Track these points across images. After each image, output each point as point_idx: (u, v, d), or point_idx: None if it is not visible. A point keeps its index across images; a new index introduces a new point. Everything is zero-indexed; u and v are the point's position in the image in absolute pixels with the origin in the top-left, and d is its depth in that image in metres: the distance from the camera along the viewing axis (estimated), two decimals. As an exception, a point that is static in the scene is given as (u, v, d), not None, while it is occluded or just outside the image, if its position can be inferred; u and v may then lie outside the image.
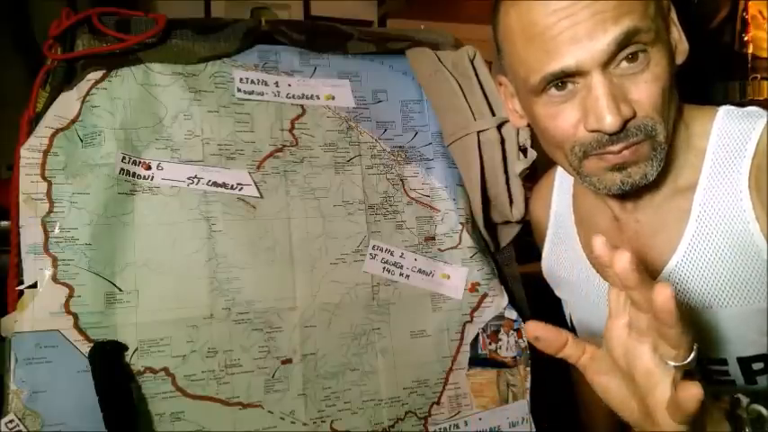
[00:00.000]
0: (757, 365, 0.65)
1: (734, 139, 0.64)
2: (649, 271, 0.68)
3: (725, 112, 0.66)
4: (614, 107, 0.56)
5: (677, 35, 0.64)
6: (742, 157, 0.63)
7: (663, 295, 0.41)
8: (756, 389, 0.67)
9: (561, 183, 0.83)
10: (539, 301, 0.89)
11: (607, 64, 0.57)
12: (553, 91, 0.60)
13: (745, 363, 0.65)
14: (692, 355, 0.44)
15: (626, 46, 0.57)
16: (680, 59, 0.64)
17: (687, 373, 0.45)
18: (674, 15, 0.64)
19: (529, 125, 0.72)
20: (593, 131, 0.59)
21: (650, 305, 0.43)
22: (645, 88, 0.58)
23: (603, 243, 0.44)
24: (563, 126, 0.61)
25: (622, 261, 0.42)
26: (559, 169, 0.82)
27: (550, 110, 0.62)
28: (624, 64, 0.58)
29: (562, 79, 0.59)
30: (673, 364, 0.45)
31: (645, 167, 0.61)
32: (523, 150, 0.84)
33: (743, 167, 0.62)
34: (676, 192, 0.66)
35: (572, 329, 0.82)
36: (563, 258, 0.81)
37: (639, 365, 0.46)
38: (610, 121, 0.56)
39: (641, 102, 0.58)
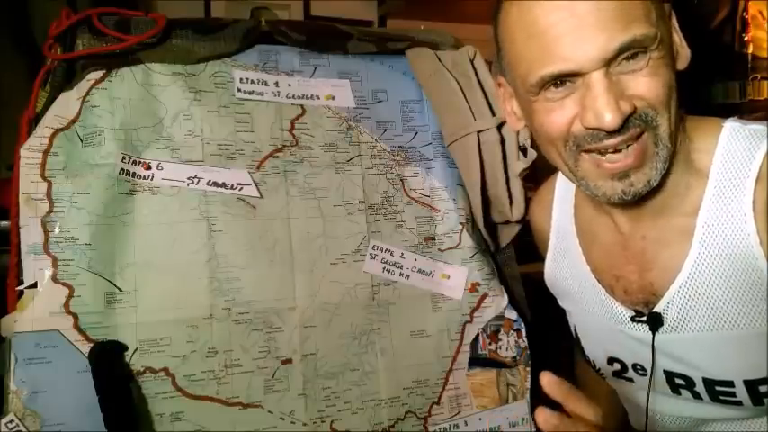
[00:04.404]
0: (764, 388, 0.64)
1: (738, 159, 0.62)
2: (654, 290, 0.67)
3: (730, 131, 0.64)
4: (614, 105, 0.56)
5: (678, 41, 0.64)
6: (745, 178, 0.61)
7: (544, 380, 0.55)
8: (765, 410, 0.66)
9: (562, 194, 0.81)
10: (539, 301, 0.88)
11: (608, 65, 0.57)
12: (552, 89, 0.60)
13: (751, 385, 0.64)
14: None
15: (629, 50, 0.56)
16: (681, 65, 0.63)
17: None
18: (674, 22, 0.64)
19: (527, 126, 0.72)
20: (590, 129, 0.58)
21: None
22: (644, 83, 0.58)
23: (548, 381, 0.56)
24: (558, 121, 0.61)
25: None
26: (560, 179, 0.81)
27: (547, 106, 0.61)
28: (624, 62, 0.57)
29: (561, 78, 0.59)
30: None
31: (648, 172, 0.60)
32: (523, 150, 0.84)
33: (746, 189, 0.61)
34: (681, 210, 0.65)
35: (576, 339, 0.81)
36: (565, 270, 0.80)
37: None
38: (609, 119, 0.56)
39: (641, 95, 0.58)
